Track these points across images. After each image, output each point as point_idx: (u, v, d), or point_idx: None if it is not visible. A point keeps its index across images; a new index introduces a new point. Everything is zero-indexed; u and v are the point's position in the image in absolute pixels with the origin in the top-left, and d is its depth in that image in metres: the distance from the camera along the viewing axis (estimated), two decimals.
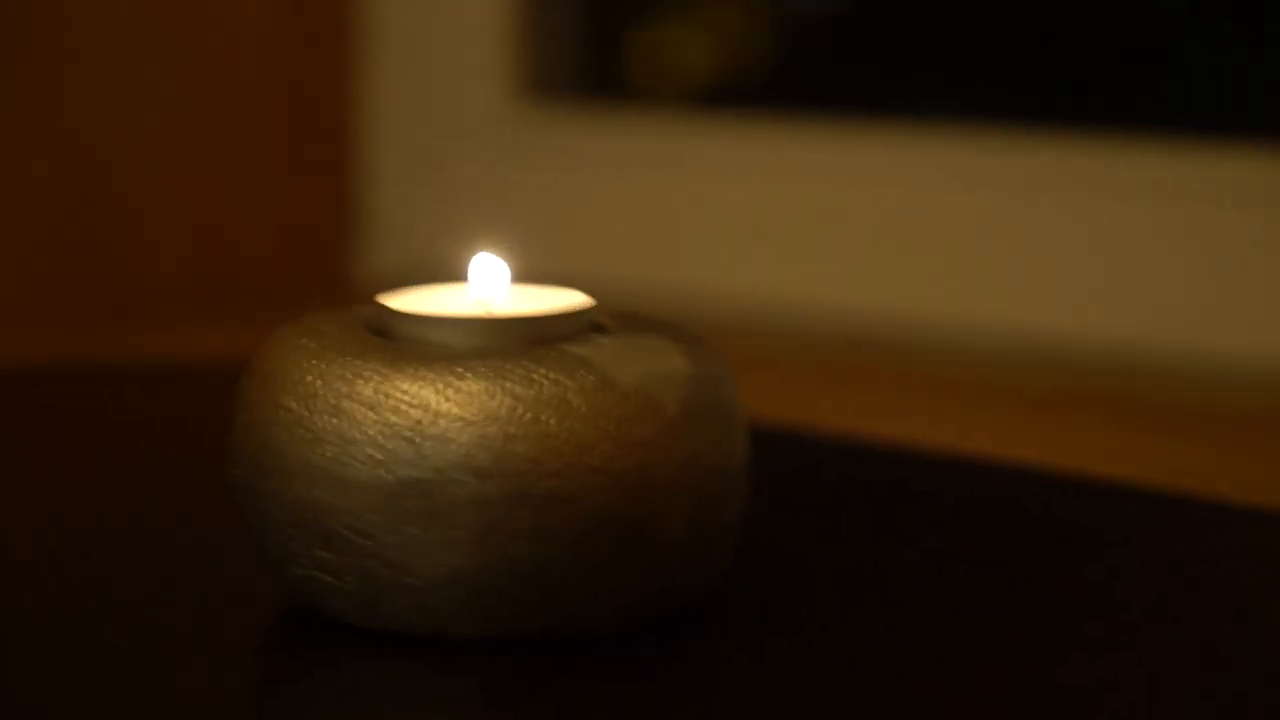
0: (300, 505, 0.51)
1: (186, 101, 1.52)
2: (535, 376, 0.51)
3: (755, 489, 0.56)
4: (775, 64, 1.56)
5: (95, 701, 0.49)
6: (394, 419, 0.51)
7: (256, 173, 1.56)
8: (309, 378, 0.52)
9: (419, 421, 0.50)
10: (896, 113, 1.42)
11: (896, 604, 0.57)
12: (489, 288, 0.57)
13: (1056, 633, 0.55)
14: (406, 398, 0.51)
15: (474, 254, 0.57)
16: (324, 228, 1.58)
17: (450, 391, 0.51)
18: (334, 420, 0.51)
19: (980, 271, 1.33)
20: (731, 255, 1.44)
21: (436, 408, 0.50)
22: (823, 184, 1.39)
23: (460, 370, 0.51)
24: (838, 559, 0.61)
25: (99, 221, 1.49)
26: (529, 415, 0.50)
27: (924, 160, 1.36)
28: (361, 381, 0.51)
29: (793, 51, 1.57)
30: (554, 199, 1.52)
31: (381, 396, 0.51)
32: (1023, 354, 1.30)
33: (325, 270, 1.55)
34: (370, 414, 0.51)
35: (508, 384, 0.51)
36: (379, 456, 0.50)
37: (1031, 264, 1.32)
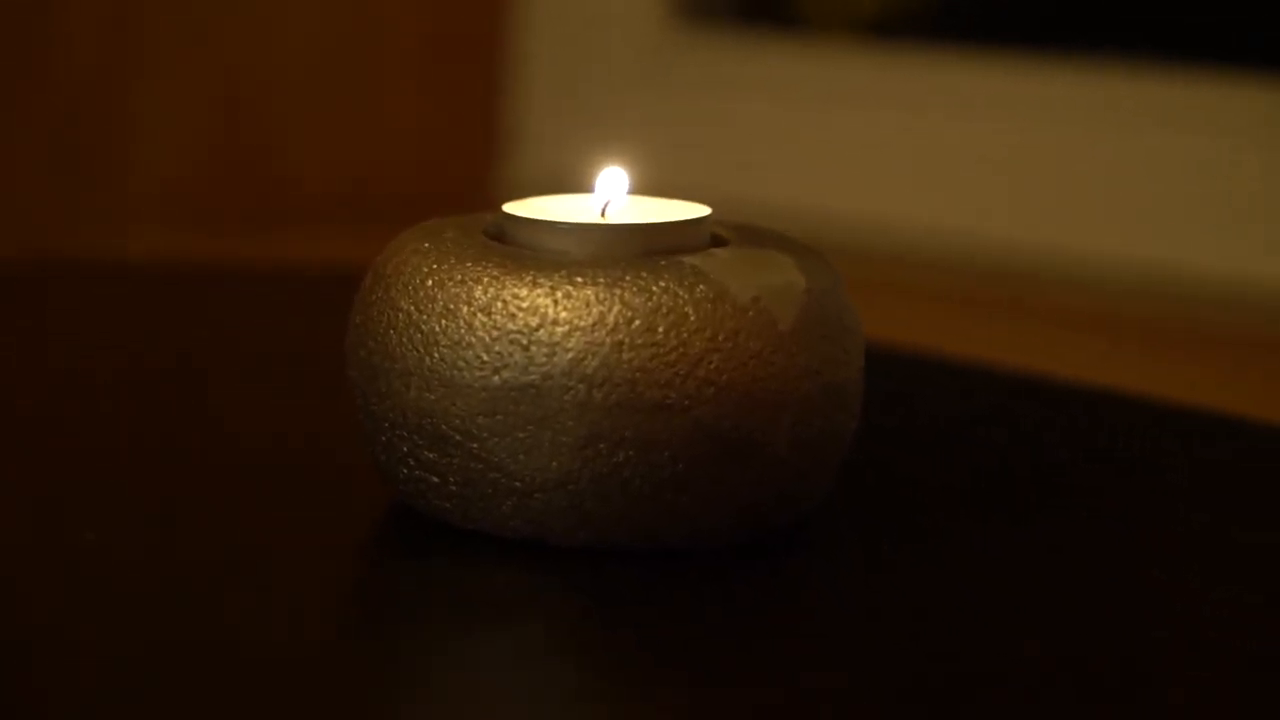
0: (410, 406, 0.52)
1: (340, 20, 1.53)
2: (649, 286, 0.51)
3: (869, 407, 0.56)
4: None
5: (202, 597, 0.50)
6: (505, 323, 0.51)
7: (406, 89, 1.57)
8: (424, 280, 0.52)
9: (530, 326, 0.50)
10: (1061, 48, 1.40)
11: (1004, 528, 0.56)
12: (612, 197, 0.56)
13: (1172, 567, 0.55)
14: (519, 302, 0.51)
15: (606, 167, 0.57)
16: (471, 145, 1.59)
17: (562, 298, 0.51)
18: (446, 323, 0.51)
19: (1140, 210, 1.31)
20: (873, 183, 1.43)
21: (548, 313, 0.50)
22: (977, 118, 1.38)
23: (574, 277, 0.51)
24: (946, 481, 0.61)
25: (256, 137, 1.50)
26: (640, 324, 0.50)
27: (1086, 96, 1.34)
28: (475, 285, 0.51)
29: None
30: (700, 124, 1.51)
31: (494, 301, 0.51)
32: (1161, 290, 1.28)
33: (471, 187, 1.56)
34: (482, 317, 0.51)
35: (621, 292, 0.51)
36: (488, 360, 0.51)
37: (1202, 204, 1.29)
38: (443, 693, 0.46)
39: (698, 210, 0.55)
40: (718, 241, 0.55)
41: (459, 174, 1.57)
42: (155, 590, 0.50)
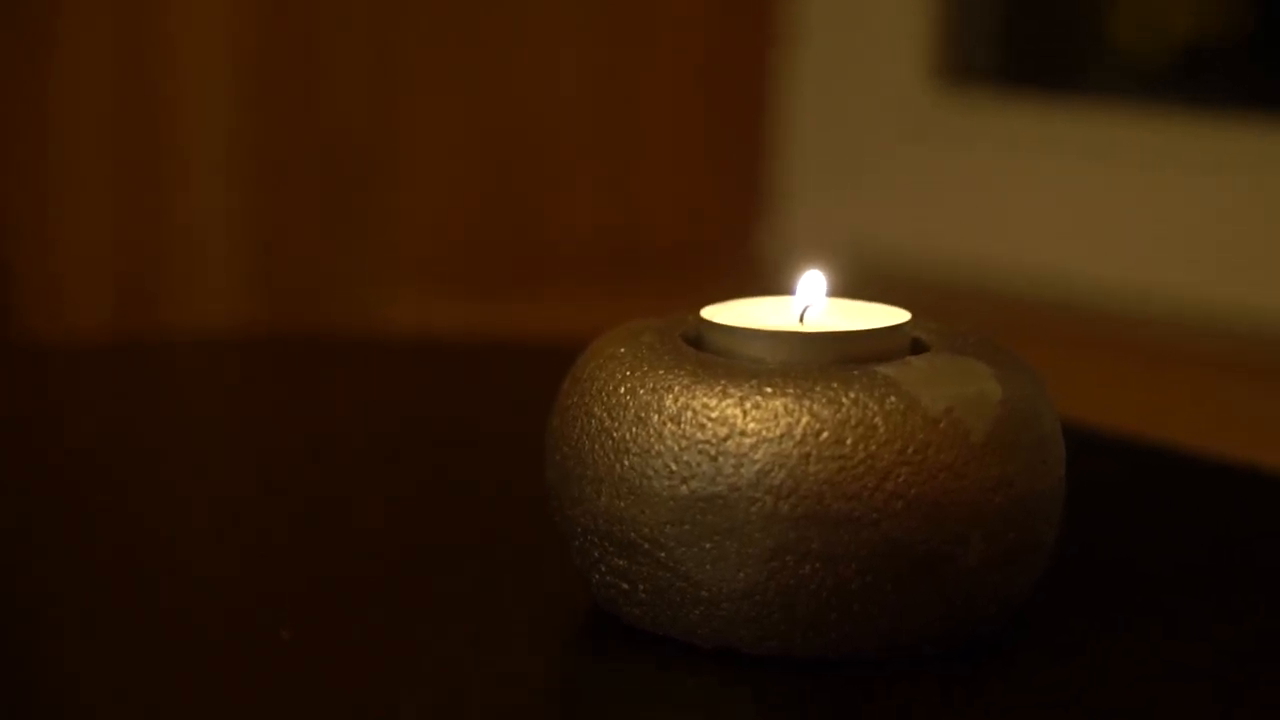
0: (600, 513, 0.52)
1: (604, 76, 1.55)
2: (839, 397, 0.51)
3: (1073, 497, 0.55)
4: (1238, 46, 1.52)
5: (399, 689, 0.51)
6: (694, 433, 0.51)
7: (671, 149, 1.58)
8: (617, 387, 0.53)
9: (718, 436, 0.51)
10: None
11: (1215, 630, 0.55)
12: (812, 301, 0.56)
13: None
14: (708, 412, 0.51)
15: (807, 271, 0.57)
16: (735, 204, 1.59)
17: (751, 408, 0.51)
18: (637, 431, 0.52)
19: None
20: (1142, 249, 1.41)
21: (736, 424, 0.51)
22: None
23: (763, 387, 0.51)
24: (1155, 574, 0.59)
25: (519, 194, 1.53)
26: (829, 436, 0.50)
27: None
28: (666, 394, 0.52)
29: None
30: (962, 184, 1.50)
31: (684, 410, 0.51)
32: None
33: (734, 245, 1.56)
34: (672, 426, 0.51)
35: (810, 403, 0.51)
36: (677, 469, 0.51)
37: None
38: None
39: (897, 315, 0.55)
40: (918, 347, 0.55)
41: (723, 232, 1.57)
42: (353, 678, 0.51)
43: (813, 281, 0.57)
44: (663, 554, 0.51)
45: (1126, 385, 1.28)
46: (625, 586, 0.52)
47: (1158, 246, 1.41)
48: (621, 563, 0.52)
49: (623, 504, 0.52)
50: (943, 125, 1.53)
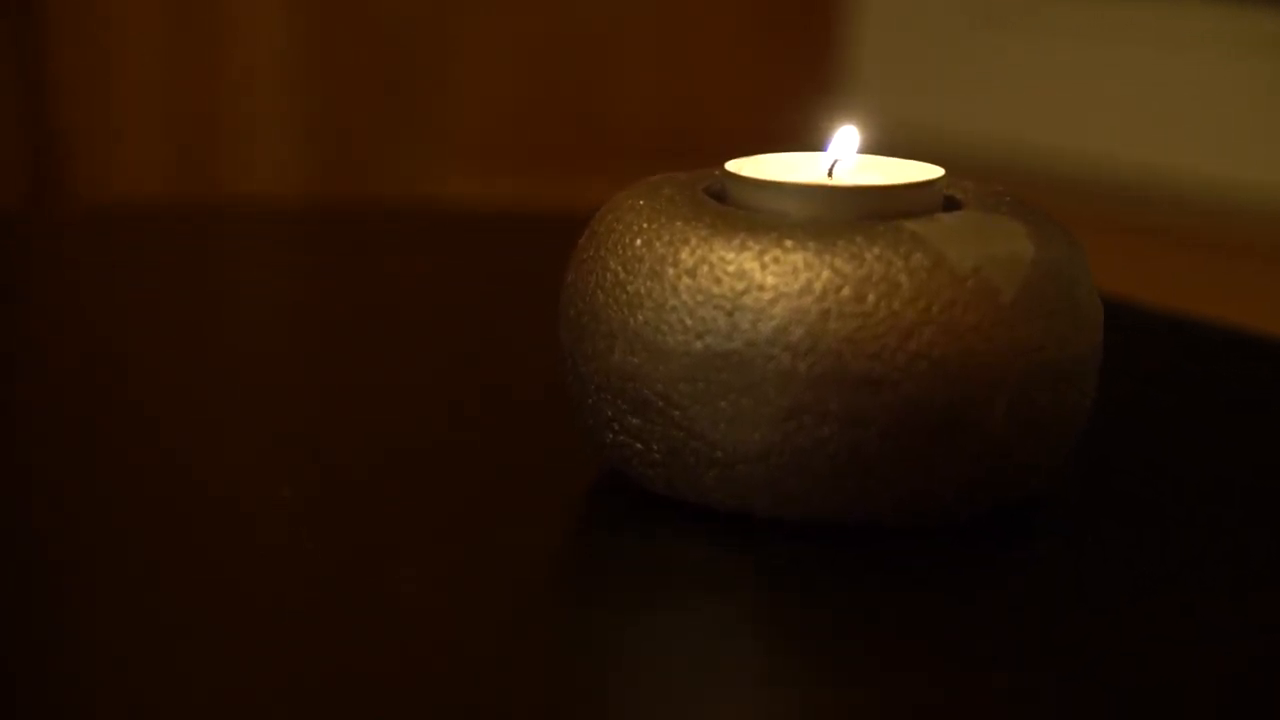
0: (614, 370, 0.50)
1: None
2: (862, 252, 0.49)
3: (1108, 376, 0.52)
4: None
5: (406, 556, 0.49)
6: (710, 287, 0.49)
7: (734, 31, 1.55)
8: (633, 240, 0.51)
9: (735, 291, 0.49)
10: None
11: (1241, 516, 0.53)
12: (842, 156, 0.54)
13: None
14: (725, 266, 0.49)
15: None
16: (800, 92, 1.56)
17: (770, 262, 0.49)
18: (651, 284, 0.50)
19: None
20: (1199, 133, 1.37)
21: (754, 278, 0.48)
22: None
23: (783, 240, 0.49)
24: (1187, 459, 0.57)
25: (577, 75, 1.50)
26: (850, 292, 0.48)
27: None
28: (683, 246, 0.50)
29: None
30: (1039, 72, 1.46)
31: (700, 263, 0.49)
32: None
33: (797, 130, 1.53)
34: (687, 280, 0.49)
35: (831, 258, 0.48)
36: (691, 324, 0.49)
37: None
38: (632, 667, 0.45)
39: (930, 171, 0.53)
40: (951, 205, 0.53)
41: (786, 120, 1.55)
42: (352, 551, 0.49)
43: (845, 137, 0.54)
44: (677, 413, 0.49)
45: (1207, 277, 1.25)
46: (639, 447, 0.51)
47: (1242, 138, 1.38)
48: (635, 421, 0.50)
49: (636, 360, 0.50)
50: (1017, 11, 1.49)
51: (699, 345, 0.49)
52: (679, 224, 0.50)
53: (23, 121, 1.39)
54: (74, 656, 0.44)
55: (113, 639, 0.45)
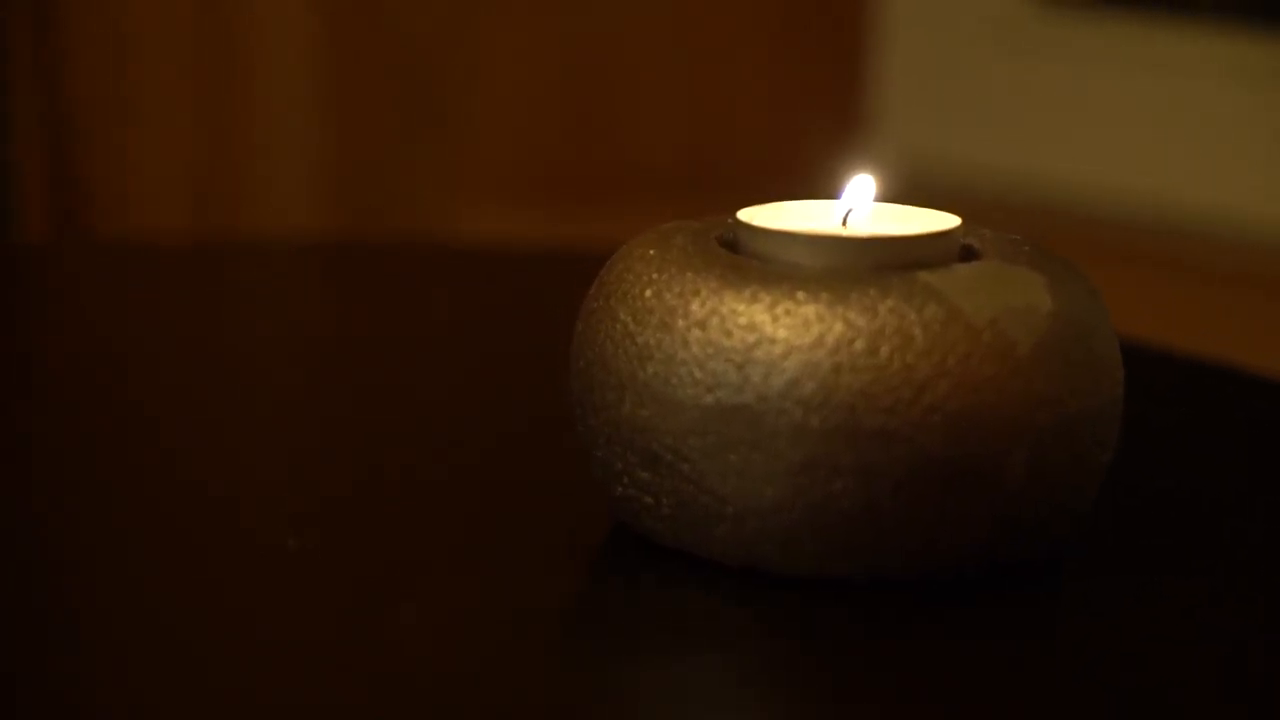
0: (623, 422, 0.50)
1: None
2: (875, 304, 0.48)
3: (1135, 420, 0.52)
4: None
5: (410, 599, 0.48)
6: (720, 340, 0.48)
7: (759, 64, 1.55)
8: (643, 290, 0.50)
9: (745, 344, 0.48)
10: None
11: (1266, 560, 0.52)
12: (856, 205, 0.53)
13: None
14: (736, 318, 0.48)
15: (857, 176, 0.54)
16: (826, 121, 1.56)
17: (782, 314, 0.48)
18: (661, 336, 0.49)
19: None
20: (1252, 175, 1.36)
21: (765, 331, 0.48)
22: None
23: (795, 292, 0.48)
24: (1211, 502, 0.56)
25: (599, 108, 1.50)
26: (862, 345, 0.47)
27: None
28: (693, 298, 0.49)
29: None
30: (1057, 102, 1.46)
31: (711, 315, 0.48)
32: None
33: (824, 164, 1.53)
34: (698, 332, 0.48)
35: (844, 310, 0.48)
36: (701, 378, 0.48)
37: None
38: (637, 719, 0.44)
39: (946, 221, 0.52)
40: (968, 254, 0.52)
41: (811, 153, 1.54)
42: (357, 596, 0.49)
43: (860, 185, 0.54)
44: (686, 466, 0.49)
45: (1227, 313, 1.24)
46: (648, 500, 0.50)
47: (1271, 173, 1.37)
48: (644, 475, 0.49)
49: (645, 413, 0.49)
50: (1038, 44, 1.48)
51: (709, 399, 0.48)
52: (689, 275, 0.50)
53: (43, 156, 1.39)
54: (74, 656, 0.43)
55: (113, 639, 0.44)
